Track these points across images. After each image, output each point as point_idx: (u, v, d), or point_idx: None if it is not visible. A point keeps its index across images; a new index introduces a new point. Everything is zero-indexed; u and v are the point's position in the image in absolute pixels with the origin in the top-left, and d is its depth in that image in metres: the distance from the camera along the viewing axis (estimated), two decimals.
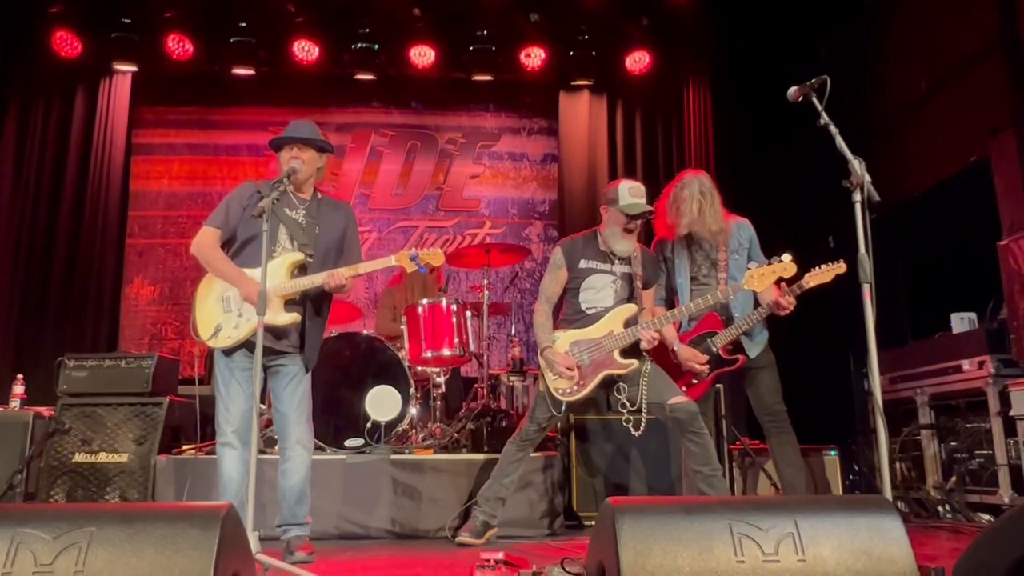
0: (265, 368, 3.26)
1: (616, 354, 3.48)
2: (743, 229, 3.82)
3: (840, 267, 3.41)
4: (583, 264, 3.61)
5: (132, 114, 7.07)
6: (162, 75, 7.10)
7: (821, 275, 3.45)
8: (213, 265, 3.27)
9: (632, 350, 3.51)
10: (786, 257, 3.41)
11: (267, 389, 3.49)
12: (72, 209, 6.76)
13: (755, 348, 3.73)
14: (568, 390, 3.50)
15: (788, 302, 3.50)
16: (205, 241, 3.30)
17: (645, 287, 3.63)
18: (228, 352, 3.22)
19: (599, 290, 3.58)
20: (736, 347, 3.68)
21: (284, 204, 3.31)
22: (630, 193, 3.52)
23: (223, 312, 3.25)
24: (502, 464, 3.74)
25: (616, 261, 3.61)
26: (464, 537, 3.67)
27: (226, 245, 3.33)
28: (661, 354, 3.68)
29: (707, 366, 3.62)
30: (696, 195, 3.69)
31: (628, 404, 3.49)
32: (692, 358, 3.63)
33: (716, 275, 3.70)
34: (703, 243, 3.76)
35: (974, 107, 5.01)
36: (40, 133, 6.84)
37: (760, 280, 3.41)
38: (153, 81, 7.14)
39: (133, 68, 7.03)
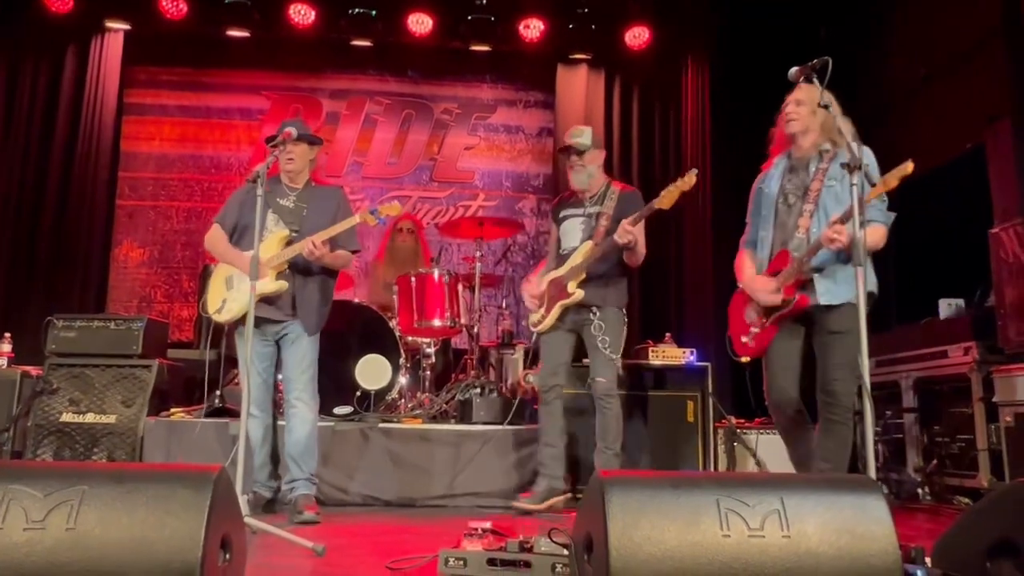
0: (277, 342, 3.63)
1: (570, 286, 3.76)
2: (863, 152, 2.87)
3: (907, 167, 2.75)
4: (562, 214, 4.03)
5: (124, 73, 6.93)
6: (155, 34, 6.96)
7: (883, 184, 2.79)
8: (222, 256, 3.67)
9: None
10: (692, 172, 3.44)
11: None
12: (61, 169, 6.67)
13: (828, 294, 3.00)
14: (536, 322, 3.94)
15: (835, 231, 2.83)
16: (212, 235, 3.70)
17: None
18: (236, 325, 3.59)
19: (570, 232, 3.94)
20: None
21: (276, 194, 3.64)
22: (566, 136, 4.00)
23: (227, 290, 3.63)
24: (540, 426, 3.96)
25: (587, 204, 3.93)
26: (522, 503, 3.75)
27: (231, 236, 3.69)
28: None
29: (776, 296, 3.05)
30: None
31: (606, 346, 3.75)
32: (754, 285, 3.16)
33: (802, 206, 3.09)
34: (800, 171, 3.15)
35: (972, 94, 5.01)
36: (29, 91, 6.72)
37: (666, 197, 3.51)
38: (146, 40, 7.00)
39: (125, 26, 6.88)
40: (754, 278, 3.18)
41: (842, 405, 2.98)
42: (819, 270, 3.01)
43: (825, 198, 3.03)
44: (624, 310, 3.89)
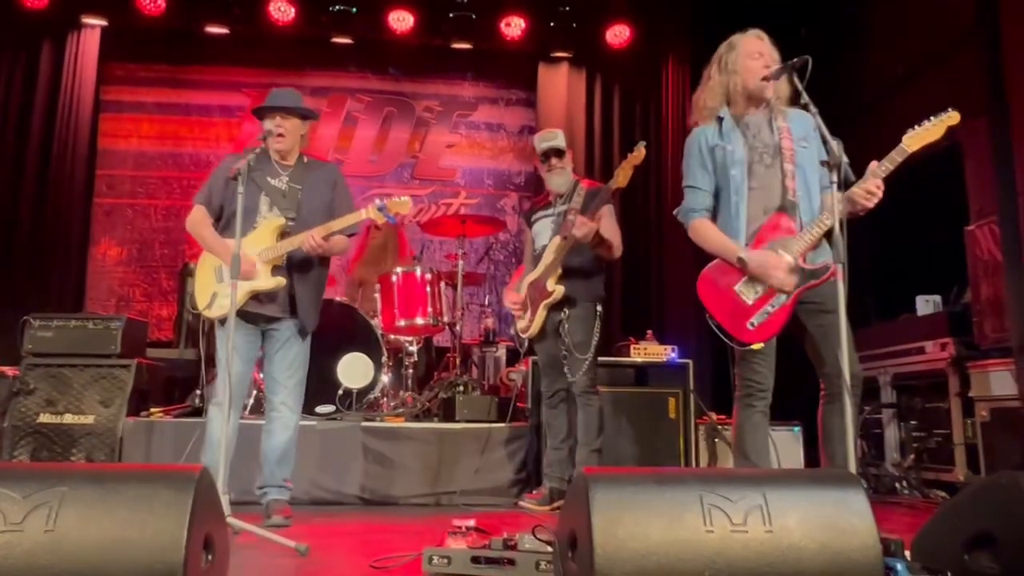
0: (263, 334, 3.39)
1: (549, 283, 3.78)
2: (806, 119, 2.76)
3: (953, 117, 2.59)
4: (534, 218, 4.09)
5: (101, 70, 6.85)
6: (133, 30, 6.88)
7: (928, 132, 2.61)
8: (204, 242, 3.34)
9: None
10: (640, 144, 3.44)
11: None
12: (37, 167, 6.57)
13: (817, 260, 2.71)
14: (524, 328, 3.93)
15: (874, 186, 2.58)
16: (195, 218, 3.35)
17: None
18: (223, 321, 3.16)
19: (542, 233, 3.99)
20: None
21: (266, 173, 3.35)
22: (540, 139, 4.05)
23: (216, 283, 3.32)
24: (546, 430, 4.02)
25: (557, 204, 3.96)
26: (527, 503, 3.86)
27: (218, 220, 3.38)
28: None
29: (791, 277, 2.65)
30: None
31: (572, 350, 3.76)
32: (767, 263, 2.64)
33: (781, 165, 2.76)
34: (761, 129, 2.82)
35: (950, 93, 5.06)
36: (4, 88, 6.61)
37: (620, 175, 3.50)
38: (123, 36, 6.92)
39: (102, 22, 6.81)
40: (761, 256, 2.66)
41: (860, 386, 2.70)
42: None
43: (802, 158, 2.76)
44: (599, 304, 3.85)
